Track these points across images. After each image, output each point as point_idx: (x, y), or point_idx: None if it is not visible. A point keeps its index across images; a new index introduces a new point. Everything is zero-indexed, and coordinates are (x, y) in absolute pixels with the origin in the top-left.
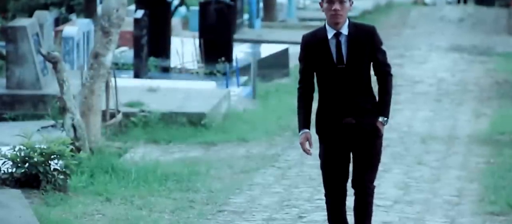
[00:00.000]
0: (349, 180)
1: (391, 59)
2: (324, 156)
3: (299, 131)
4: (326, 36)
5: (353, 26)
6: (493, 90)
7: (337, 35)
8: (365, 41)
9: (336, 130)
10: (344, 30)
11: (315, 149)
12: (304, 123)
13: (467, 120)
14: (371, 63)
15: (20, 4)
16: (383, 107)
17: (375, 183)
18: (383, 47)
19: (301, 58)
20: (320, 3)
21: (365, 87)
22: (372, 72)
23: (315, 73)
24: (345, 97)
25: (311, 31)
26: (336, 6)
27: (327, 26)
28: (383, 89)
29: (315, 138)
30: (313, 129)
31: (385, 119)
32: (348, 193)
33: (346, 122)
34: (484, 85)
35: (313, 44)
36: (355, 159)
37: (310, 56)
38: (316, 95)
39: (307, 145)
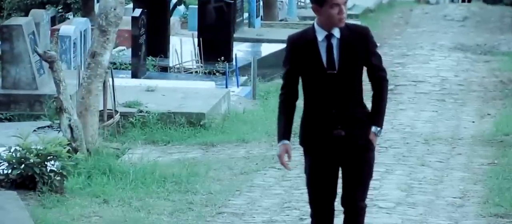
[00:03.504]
0: (338, 198)
1: (393, 58)
2: (311, 172)
3: (278, 142)
4: (316, 38)
5: (346, 28)
6: (498, 90)
7: (329, 37)
8: (359, 45)
9: (324, 143)
10: (336, 33)
11: (295, 162)
12: (284, 134)
13: (471, 120)
14: (364, 68)
15: (16, 2)
16: (377, 115)
17: (377, 185)
18: (378, 50)
19: (286, 61)
20: (314, 8)
21: (356, 96)
22: (364, 78)
23: (300, 79)
24: (334, 106)
25: (298, 32)
26: (343, 8)
27: (316, 27)
28: (378, 95)
29: (299, 151)
30: (295, 140)
31: (379, 129)
32: (336, 212)
33: (335, 134)
34: (488, 84)
35: (301, 46)
36: (345, 175)
37: (296, 60)
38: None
39: (285, 158)
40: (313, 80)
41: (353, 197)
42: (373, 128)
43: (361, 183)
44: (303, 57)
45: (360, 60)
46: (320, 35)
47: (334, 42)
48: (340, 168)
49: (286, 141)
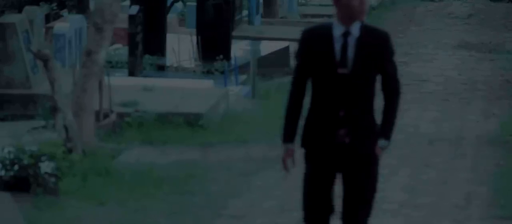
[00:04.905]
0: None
1: (396, 57)
2: (309, 180)
3: (283, 142)
4: (331, 34)
5: (365, 28)
6: (503, 89)
7: (346, 35)
8: (376, 48)
9: (326, 148)
10: (355, 31)
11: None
12: (290, 136)
13: (476, 120)
14: (378, 75)
15: None
16: (386, 128)
17: (381, 186)
18: (395, 59)
19: (298, 55)
20: (334, 0)
21: (366, 102)
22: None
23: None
24: (341, 109)
25: (313, 26)
26: None
27: (335, 23)
28: (389, 107)
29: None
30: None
31: (386, 142)
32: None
33: (339, 140)
34: (494, 84)
35: (315, 41)
36: (346, 190)
37: (308, 55)
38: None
39: (289, 163)
40: (323, 79)
41: (355, 220)
42: (380, 142)
43: (364, 202)
44: (316, 53)
45: (374, 64)
46: (338, 30)
47: (351, 41)
48: (340, 178)
49: (290, 145)
